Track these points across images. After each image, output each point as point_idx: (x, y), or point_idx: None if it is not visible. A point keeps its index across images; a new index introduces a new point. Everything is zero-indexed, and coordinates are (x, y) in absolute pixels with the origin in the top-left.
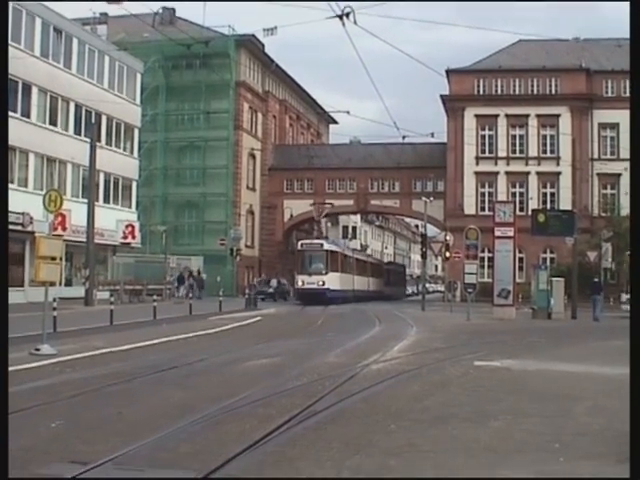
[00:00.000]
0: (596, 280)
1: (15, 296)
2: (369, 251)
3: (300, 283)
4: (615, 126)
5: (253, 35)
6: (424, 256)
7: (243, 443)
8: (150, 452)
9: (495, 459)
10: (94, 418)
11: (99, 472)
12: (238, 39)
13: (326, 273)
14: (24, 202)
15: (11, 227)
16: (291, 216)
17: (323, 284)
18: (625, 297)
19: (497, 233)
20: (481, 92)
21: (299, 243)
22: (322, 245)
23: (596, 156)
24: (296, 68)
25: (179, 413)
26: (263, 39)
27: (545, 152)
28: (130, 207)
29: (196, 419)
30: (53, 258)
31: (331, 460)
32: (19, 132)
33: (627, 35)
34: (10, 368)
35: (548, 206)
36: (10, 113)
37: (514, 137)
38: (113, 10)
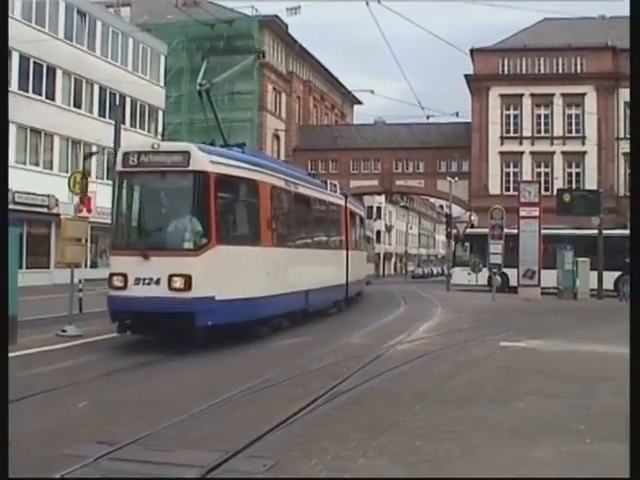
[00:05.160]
0: (627, 260)
1: (41, 278)
2: (394, 232)
3: (117, 283)
4: None
5: (276, 16)
6: (449, 236)
7: (269, 423)
8: (177, 433)
9: (520, 440)
10: (120, 399)
11: (125, 453)
12: (261, 20)
13: (201, 248)
14: (49, 184)
15: (37, 209)
16: None
17: (186, 285)
18: None
19: (522, 213)
20: (506, 71)
21: (120, 153)
22: (188, 156)
23: (622, 135)
24: (320, 49)
25: (205, 394)
26: (286, 19)
27: (570, 132)
28: None
29: (222, 400)
30: (78, 239)
31: (356, 440)
32: (44, 115)
33: None
34: (37, 349)
35: (573, 186)
36: (35, 96)
37: (539, 117)
38: None
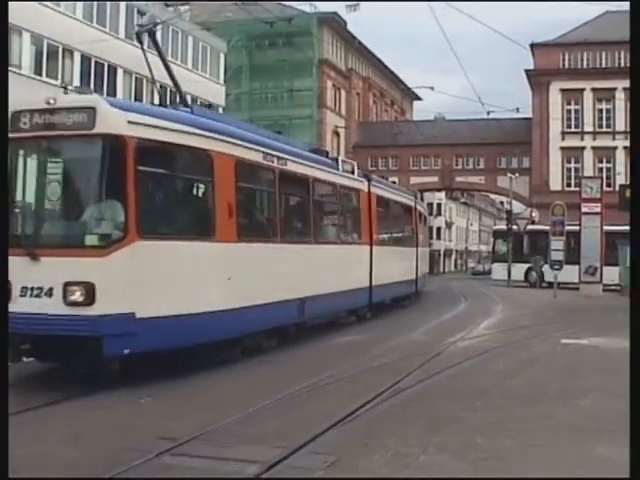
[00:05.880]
0: None
1: None
2: (454, 229)
3: None
4: None
5: (335, 12)
6: (510, 233)
7: (330, 420)
8: (238, 429)
9: (582, 437)
10: (181, 394)
11: (187, 448)
12: (320, 16)
13: (111, 244)
14: None
15: None
16: None
17: (87, 298)
18: None
19: (584, 209)
20: (566, 66)
21: (10, 113)
22: (93, 113)
23: None
24: (379, 45)
25: (266, 390)
26: (346, 15)
27: None
28: None
29: (283, 396)
30: None
31: (417, 437)
32: None
33: None
34: None
35: None
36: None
37: (600, 111)
38: None
